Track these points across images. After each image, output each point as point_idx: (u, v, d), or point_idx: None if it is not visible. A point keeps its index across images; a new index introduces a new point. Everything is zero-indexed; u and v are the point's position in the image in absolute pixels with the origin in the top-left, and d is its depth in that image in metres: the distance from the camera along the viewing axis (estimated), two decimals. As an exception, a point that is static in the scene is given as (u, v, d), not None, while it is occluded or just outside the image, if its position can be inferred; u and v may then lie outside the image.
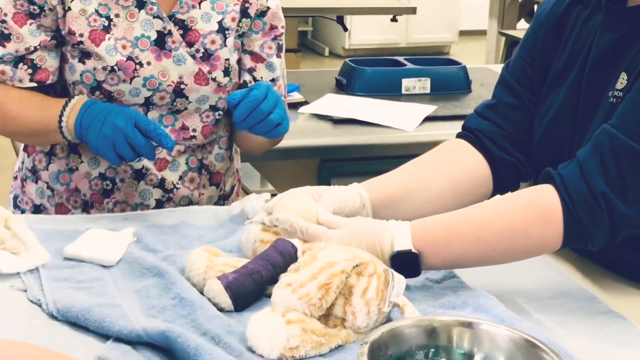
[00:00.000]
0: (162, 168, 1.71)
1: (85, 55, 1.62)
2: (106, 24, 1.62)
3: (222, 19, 1.68)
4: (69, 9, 1.61)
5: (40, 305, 1.22)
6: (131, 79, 1.63)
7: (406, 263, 1.28)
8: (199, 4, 1.67)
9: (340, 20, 4.28)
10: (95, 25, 1.62)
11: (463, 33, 7.67)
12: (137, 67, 1.63)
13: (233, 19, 1.69)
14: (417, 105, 2.61)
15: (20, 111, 1.62)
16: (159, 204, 1.71)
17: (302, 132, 2.40)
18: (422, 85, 2.76)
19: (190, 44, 1.66)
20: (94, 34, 1.61)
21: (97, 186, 1.71)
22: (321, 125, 2.46)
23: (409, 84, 2.75)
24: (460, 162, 1.54)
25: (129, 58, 1.62)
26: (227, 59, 1.68)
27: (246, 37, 1.72)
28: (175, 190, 1.72)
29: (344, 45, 7.20)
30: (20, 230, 1.33)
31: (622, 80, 1.37)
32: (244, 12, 1.70)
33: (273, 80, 1.75)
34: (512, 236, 1.29)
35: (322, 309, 1.14)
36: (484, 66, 3.41)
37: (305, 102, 2.60)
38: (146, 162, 1.69)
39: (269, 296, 1.19)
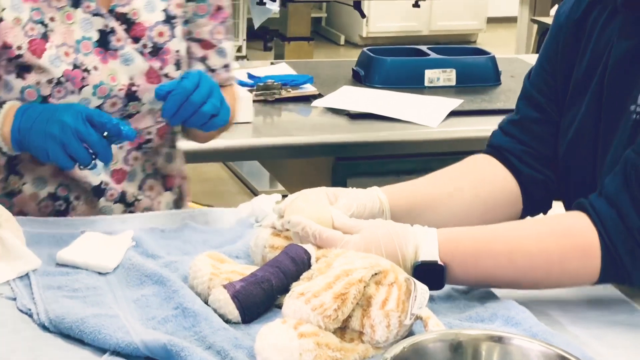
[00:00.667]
0: (121, 180, 1.68)
1: (24, 69, 1.56)
2: (43, 30, 1.56)
3: (168, 6, 1.64)
4: (1, 19, 1.54)
5: (30, 315, 1.22)
6: (80, 89, 1.58)
7: (430, 275, 1.28)
8: None
9: (357, 6, 4.28)
10: (33, 34, 1.56)
11: (491, 20, 7.66)
12: (85, 74, 1.59)
13: (178, 5, 1.66)
14: (441, 98, 2.62)
15: None
16: None
17: (315, 128, 2.41)
18: (446, 76, 2.76)
19: (136, 39, 1.62)
20: (34, 45, 1.55)
21: (48, 208, 1.65)
22: (336, 120, 2.46)
23: (432, 76, 2.75)
24: (488, 176, 1.54)
25: (75, 66, 1.58)
26: (178, 51, 1.66)
27: (192, 22, 1.69)
28: (136, 202, 1.70)
29: (361, 33, 7.20)
30: (3, 233, 1.32)
31: None
32: None
33: (226, 66, 1.73)
34: (547, 267, 1.31)
35: (338, 321, 1.14)
36: (514, 56, 3.40)
37: (319, 95, 2.60)
38: (105, 176, 1.65)
39: (280, 307, 1.18)
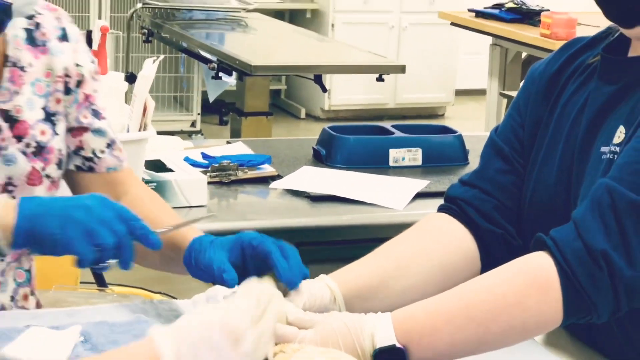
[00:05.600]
0: None
1: None
2: None
3: (47, 103, 1.62)
4: None
5: (-29, 418, 1.23)
6: None
7: None
8: (21, 87, 1.60)
9: (318, 80, 4.34)
10: None
11: (460, 92, 7.78)
12: None
13: (58, 101, 1.64)
14: (407, 179, 2.64)
15: None
16: None
17: (273, 211, 2.43)
18: (412, 156, 2.79)
19: (19, 138, 1.59)
20: None
21: None
22: (296, 203, 2.48)
23: (397, 155, 2.78)
24: (443, 239, 1.58)
25: None
26: (60, 150, 1.63)
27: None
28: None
29: (323, 106, 7.27)
30: None
31: (620, 134, 1.44)
32: (67, 89, 1.65)
33: (109, 145, 1.69)
34: (507, 312, 1.32)
35: (298, 421, 1.15)
36: (483, 134, 3.47)
37: (278, 176, 2.62)
38: None
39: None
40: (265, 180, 2.61)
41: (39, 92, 1.62)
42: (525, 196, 1.59)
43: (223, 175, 2.57)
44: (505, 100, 5.27)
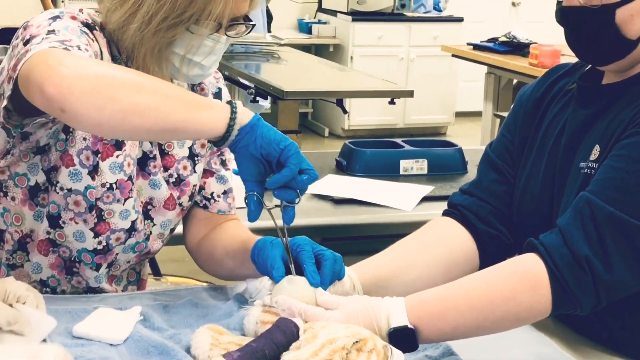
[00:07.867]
0: (111, 281, 1.66)
1: (94, 170, 1.53)
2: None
3: (193, 144, 1.65)
4: None
5: (49, 383, 1.23)
6: (125, 200, 1.57)
7: (403, 338, 1.29)
8: None
9: (339, 103, 4.34)
10: (106, 140, 1.53)
11: (459, 114, 7.75)
12: (133, 187, 1.57)
13: (203, 145, 1.66)
14: (414, 185, 2.65)
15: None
16: None
17: (303, 212, 2.41)
18: (419, 166, 2.79)
19: (165, 169, 1.63)
20: (105, 148, 1.53)
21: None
22: (322, 205, 2.49)
23: (407, 165, 2.79)
24: (446, 238, 1.57)
25: (129, 178, 1.57)
26: (195, 185, 1.66)
27: None
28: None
29: (343, 126, 7.28)
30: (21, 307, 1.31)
31: (595, 152, 1.43)
32: None
33: (225, 192, 1.71)
34: (503, 304, 1.32)
35: (324, 386, 1.15)
36: (479, 147, 3.45)
37: (307, 183, 2.62)
38: (105, 283, 1.62)
39: (272, 374, 1.20)
40: (296, 186, 2.60)
41: None
42: (514, 203, 1.58)
43: (260, 182, 2.56)
44: (498, 120, 5.24)
